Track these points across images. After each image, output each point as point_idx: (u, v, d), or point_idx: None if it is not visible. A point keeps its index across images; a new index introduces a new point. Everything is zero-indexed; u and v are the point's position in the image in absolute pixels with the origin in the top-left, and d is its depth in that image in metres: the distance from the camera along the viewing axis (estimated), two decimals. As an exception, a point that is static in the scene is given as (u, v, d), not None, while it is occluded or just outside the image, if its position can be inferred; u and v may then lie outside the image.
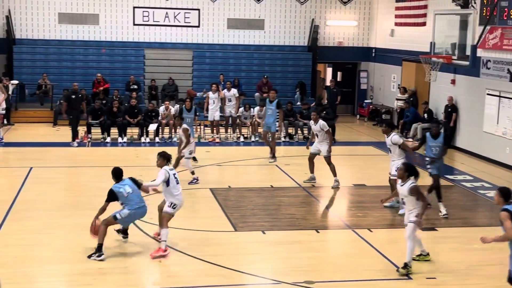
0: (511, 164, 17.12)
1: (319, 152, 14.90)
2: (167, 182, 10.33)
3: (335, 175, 14.86)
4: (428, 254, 10.38)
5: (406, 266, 9.76)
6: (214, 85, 20.42)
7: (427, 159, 13.03)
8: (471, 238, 11.53)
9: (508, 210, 7.84)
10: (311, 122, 15.05)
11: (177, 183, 10.49)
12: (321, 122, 14.85)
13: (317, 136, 14.94)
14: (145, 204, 10.58)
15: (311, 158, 15.06)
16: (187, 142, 14.87)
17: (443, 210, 12.80)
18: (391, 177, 12.98)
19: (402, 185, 9.91)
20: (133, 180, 10.54)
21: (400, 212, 12.61)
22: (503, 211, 7.88)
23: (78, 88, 20.35)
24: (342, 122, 23.67)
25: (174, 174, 10.49)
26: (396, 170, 12.38)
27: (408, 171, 9.93)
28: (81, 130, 19.97)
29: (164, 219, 10.44)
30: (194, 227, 11.76)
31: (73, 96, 19.50)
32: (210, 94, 20.38)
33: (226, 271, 9.74)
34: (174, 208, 10.44)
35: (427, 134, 13.08)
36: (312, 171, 15.11)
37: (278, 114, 17.83)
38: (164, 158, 10.45)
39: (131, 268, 9.84)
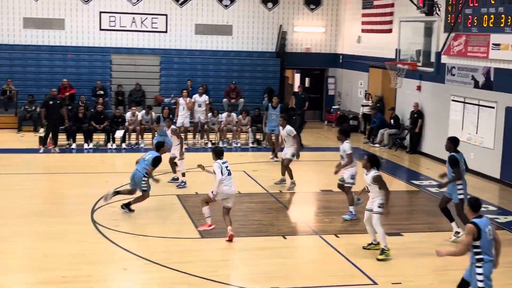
0: (475, 169, 17.36)
1: (289, 156, 15.14)
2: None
3: (291, 177, 15.23)
4: (378, 243, 10.82)
5: (383, 251, 10.52)
6: (185, 91, 20.49)
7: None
8: (436, 243, 11.67)
9: (476, 224, 7.63)
10: (279, 127, 15.24)
11: (229, 175, 11.48)
12: (288, 127, 15.10)
13: (285, 141, 15.13)
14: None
15: (283, 161, 15.40)
16: (182, 141, 15.49)
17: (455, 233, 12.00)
18: (345, 184, 12.98)
19: (366, 174, 10.66)
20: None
21: (344, 217, 12.89)
22: (470, 223, 7.68)
23: (56, 94, 20.04)
24: (310, 127, 23.78)
25: (227, 167, 11.53)
26: (351, 178, 12.77)
27: (371, 161, 10.68)
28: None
29: (203, 199, 11.59)
30: (160, 234, 11.67)
31: (51, 102, 19.20)
32: (181, 100, 20.34)
33: (192, 278, 9.68)
34: (215, 195, 11.31)
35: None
36: (283, 173, 15.37)
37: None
38: (216, 154, 11.57)
39: (94, 277, 9.71)
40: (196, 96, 20.94)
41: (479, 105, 17.30)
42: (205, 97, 20.94)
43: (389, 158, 19.42)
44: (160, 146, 13.28)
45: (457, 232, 11.89)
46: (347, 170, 13.00)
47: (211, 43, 25.73)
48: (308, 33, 26.52)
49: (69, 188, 15.03)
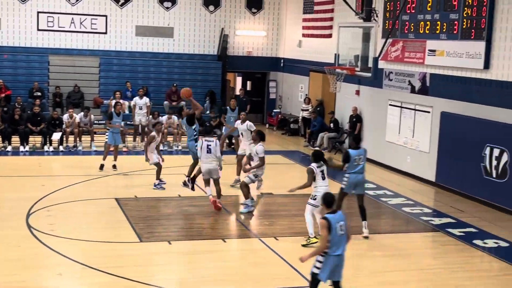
0: (412, 172, 17.74)
1: (245, 153, 15.17)
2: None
3: (238, 174, 15.53)
4: (315, 237, 11.18)
5: (309, 238, 11.34)
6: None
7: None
8: (373, 245, 11.85)
9: (327, 219, 7.97)
10: (238, 122, 15.78)
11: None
12: (248, 122, 15.67)
13: (243, 135, 15.62)
14: None
15: (239, 160, 15.53)
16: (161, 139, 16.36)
17: (365, 231, 12.30)
18: (245, 178, 13.48)
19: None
20: None
21: (241, 211, 13.34)
22: (322, 219, 8.08)
23: None
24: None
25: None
26: (254, 176, 13.33)
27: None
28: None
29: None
30: (98, 238, 11.45)
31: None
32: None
33: (130, 283, 9.52)
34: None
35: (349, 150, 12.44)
36: (238, 173, 15.51)
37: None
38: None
39: (29, 282, 9.45)
40: (136, 99, 20.69)
41: (415, 109, 17.68)
42: (145, 99, 20.72)
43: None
44: (181, 111, 15.34)
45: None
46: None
47: (152, 45, 25.50)
48: (250, 37, 26.59)
49: (4, 191, 14.59)
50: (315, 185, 11.32)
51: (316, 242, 10.93)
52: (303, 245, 11.32)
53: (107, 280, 9.62)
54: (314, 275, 8.13)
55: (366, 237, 12.13)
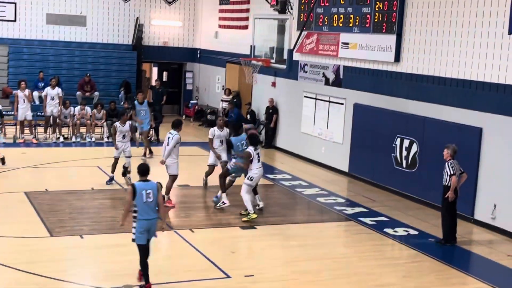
0: (326, 163, 18.07)
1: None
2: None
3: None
4: (254, 213, 12.47)
5: (248, 214, 12.33)
6: (23, 83, 19.42)
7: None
8: (289, 235, 12.01)
9: (133, 186, 8.82)
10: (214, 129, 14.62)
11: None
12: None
13: (222, 142, 14.56)
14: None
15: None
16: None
17: (260, 203, 13.45)
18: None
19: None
20: None
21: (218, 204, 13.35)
22: (130, 185, 9.03)
23: None
24: (168, 122, 23.45)
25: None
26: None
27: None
28: None
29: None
30: (5, 233, 11.04)
31: None
32: (19, 92, 19.32)
33: (40, 279, 9.25)
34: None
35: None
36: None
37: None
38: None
39: None
40: (48, 89, 20.05)
41: (329, 101, 18.00)
42: (58, 90, 20.10)
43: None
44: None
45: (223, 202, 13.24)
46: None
47: (64, 33, 24.75)
48: (166, 27, 26.29)
49: None
50: (251, 167, 12.45)
51: (256, 217, 12.39)
52: (244, 221, 12.30)
53: (17, 276, 9.31)
54: (133, 241, 8.97)
55: (261, 209, 13.23)
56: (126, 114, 15.66)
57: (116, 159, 14.72)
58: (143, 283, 9.04)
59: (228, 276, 9.76)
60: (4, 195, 13.39)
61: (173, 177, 13.29)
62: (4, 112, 19.92)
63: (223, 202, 13.26)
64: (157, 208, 8.95)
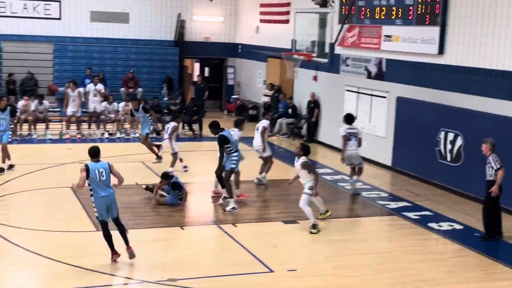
0: (369, 157, 17.93)
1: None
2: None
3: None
4: (327, 211, 12.41)
5: (314, 226, 11.60)
6: (71, 83, 19.83)
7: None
8: (331, 230, 12.00)
9: (86, 166, 9.52)
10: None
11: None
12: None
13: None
14: None
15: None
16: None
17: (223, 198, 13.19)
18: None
19: (296, 161, 11.78)
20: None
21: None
22: (84, 165, 9.66)
23: None
24: (209, 117, 23.61)
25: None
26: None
27: (303, 150, 11.74)
28: None
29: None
30: (53, 228, 11.34)
31: None
32: (69, 91, 19.72)
33: (87, 272, 9.44)
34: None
35: None
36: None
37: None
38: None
39: (-18, 274, 9.31)
40: (90, 85, 20.41)
41: (371, 95, 17.88)
42: (100, 86, 20.46)
43: (287, 147, 19.75)
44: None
45: (225, 197, 13.02)
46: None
47: (108, 31, 25.13)
48: (207, 22, 26.44)
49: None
50: (309, 178, 11.73)
51: (316, 232, 11.61)
52: (312, 233, 11.62)
53: (63, 270, 9.53)
54: (97, 218, 9.75)
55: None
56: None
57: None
58: (117, 262, 9.75)
59: (271, 270, 9.81)
60: (52, 190, 13.71)
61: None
62: (50, 110, 20.39)
63: (233, 207, 12.77)
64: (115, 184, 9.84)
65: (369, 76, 17.81)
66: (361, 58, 18.13)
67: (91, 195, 9.65)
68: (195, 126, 21.24)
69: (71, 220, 11.93)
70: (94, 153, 9.75)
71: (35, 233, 11.01)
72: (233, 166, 12.90)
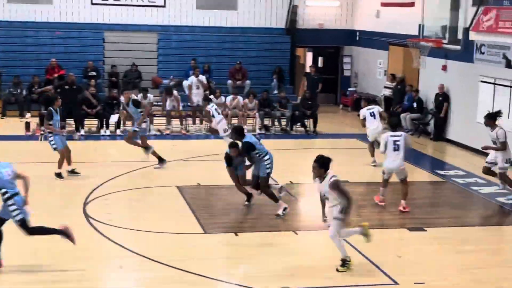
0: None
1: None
2: None
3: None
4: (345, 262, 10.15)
5: (344, 263, 10.02)
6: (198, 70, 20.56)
7: None
8: (462, 239, 11.70)
9: None
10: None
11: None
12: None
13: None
14: None
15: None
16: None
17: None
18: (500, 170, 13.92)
19: (321, 182, 9.91)
20: None
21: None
22: None
23: (76, 80, 20.39)
24: (323, 112, 23.70)
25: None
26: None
27: (323, 166, 9.88)
28: (33, 122, 19.82)
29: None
30: (158, 229, 11.72)
31: (67, 87, 19.47)
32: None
33: (194, 277, 9.69)
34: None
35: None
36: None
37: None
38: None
39: (87, 276, 9.77)
40: (192, 78, 21.01)
41: (511, 86, 17.27)
42: (202, 77, 21.04)
43: (412, 147, 19.40)
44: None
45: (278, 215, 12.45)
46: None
47: (214, 18, 25.67)
48: (321, 8, 26.44)
49: (54, 178, 14.99)
50: (338, 200, 9.97)
51: (346, 269, 10.02)
52: (338, 270, 10.08)
53: (170, 274, 9.83)
54: (21, 219, 9.76)
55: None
56: None
57: None
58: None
59: (396, 283, 9.69)
60: (158, 189, 14.21)
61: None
62: (154, 103, 21.09)
63: (284, 209, 12.56)
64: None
65: (508, 65, 17.19)
66: (498, 44, 17.52)
67: (8, 198, 9.68)
68: (308, 122, 21.31)
69: (178, 221, 12.28)
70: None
71: (140, 234, 11.43)
72: (268, 171, 12.54)
